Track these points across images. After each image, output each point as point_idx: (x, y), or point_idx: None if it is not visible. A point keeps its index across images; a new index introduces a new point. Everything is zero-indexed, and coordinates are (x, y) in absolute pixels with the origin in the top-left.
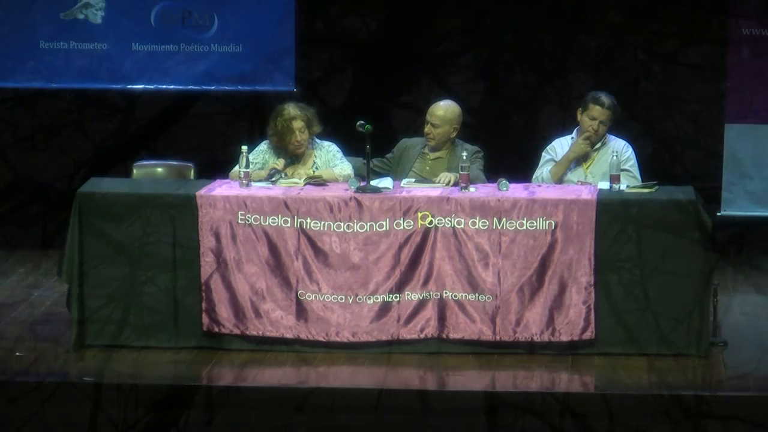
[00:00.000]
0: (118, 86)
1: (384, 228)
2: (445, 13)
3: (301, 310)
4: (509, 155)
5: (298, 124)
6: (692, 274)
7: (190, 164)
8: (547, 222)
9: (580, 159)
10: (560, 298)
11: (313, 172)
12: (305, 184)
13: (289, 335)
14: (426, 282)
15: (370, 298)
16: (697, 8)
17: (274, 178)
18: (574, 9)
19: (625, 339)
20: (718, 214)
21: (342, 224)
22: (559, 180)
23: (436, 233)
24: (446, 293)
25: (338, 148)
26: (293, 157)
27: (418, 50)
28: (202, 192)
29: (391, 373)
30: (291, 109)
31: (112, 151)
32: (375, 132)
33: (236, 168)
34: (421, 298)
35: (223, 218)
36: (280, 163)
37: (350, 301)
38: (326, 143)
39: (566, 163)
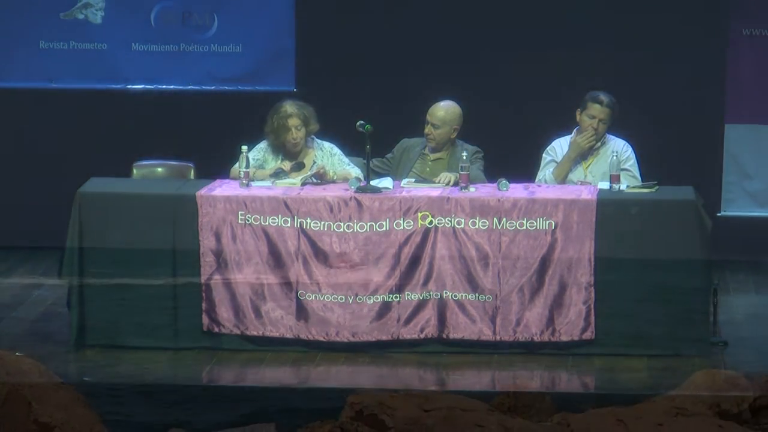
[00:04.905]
0: (118, 86)
1: (384, 228)
2: (446, 13)
3: (301, 310)
4: (509, 155)
5: (294, 122)
6: (692, 274)
7: (190, 164)
8: (547, 222)
9: (579, 158)
10: (560, 298)
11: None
12: (302, 185)
13: (289, 335)
14: (426, 282)
15: (370, 298)
16: (697, 8)
17: (279, 179)
18: (574, 7)
19: (625, 339)
20: (718, 214)
21: (342, 224)
22: (563, 180)
23: (436, 233)
24: (446, 293)
25: (340, 151)
26: (296, 158)
27: (419, 49)
28: (202, 192)
29: (391, 373)
30: (288, 107)
31: (112, 151)
32: (375, 132)
33: (237, 165)
34: (421, 298)
35: (223, 218)
36: (287, 164)
37: (350, 301)
38: (327, 144)
39: (569, 163)
